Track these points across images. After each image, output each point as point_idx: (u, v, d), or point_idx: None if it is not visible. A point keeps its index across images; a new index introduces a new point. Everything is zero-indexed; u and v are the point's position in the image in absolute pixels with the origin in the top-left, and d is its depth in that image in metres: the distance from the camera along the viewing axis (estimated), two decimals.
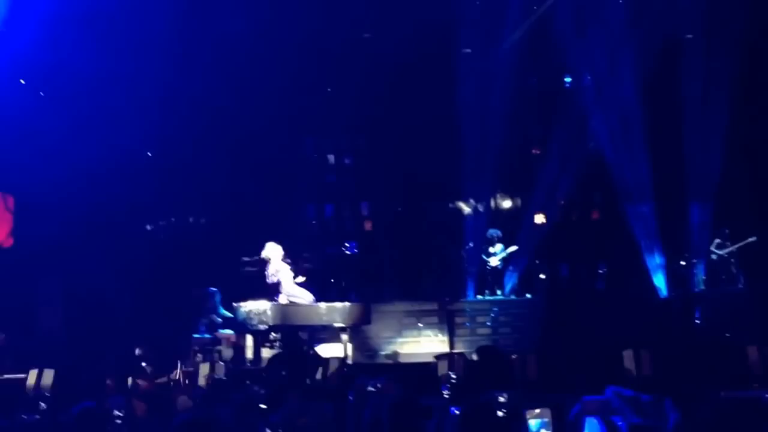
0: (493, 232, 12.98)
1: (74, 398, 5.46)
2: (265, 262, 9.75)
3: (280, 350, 9.49)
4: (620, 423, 3.13)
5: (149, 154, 13.64)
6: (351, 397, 4.88)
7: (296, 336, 9.78)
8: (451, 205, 14.58)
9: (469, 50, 13.16)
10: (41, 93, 11.72)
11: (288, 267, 9.82)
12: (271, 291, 9.75)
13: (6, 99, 10.68)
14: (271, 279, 9.72)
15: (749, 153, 12.69)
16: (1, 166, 11.37)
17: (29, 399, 6.47)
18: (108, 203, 12.19)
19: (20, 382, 7.30)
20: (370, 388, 4.76)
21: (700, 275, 12.41)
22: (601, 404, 3.35)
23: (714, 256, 12.14)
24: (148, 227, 14.12)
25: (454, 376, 6.93)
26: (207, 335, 10.38)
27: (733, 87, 12.65)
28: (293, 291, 9.87)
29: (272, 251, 9.71)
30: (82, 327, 10.08)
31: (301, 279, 9.97)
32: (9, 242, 12.34)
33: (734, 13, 11.91)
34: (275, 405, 4.09)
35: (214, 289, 10.76)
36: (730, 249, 11.93)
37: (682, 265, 12.65)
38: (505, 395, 3.58)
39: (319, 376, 7.54)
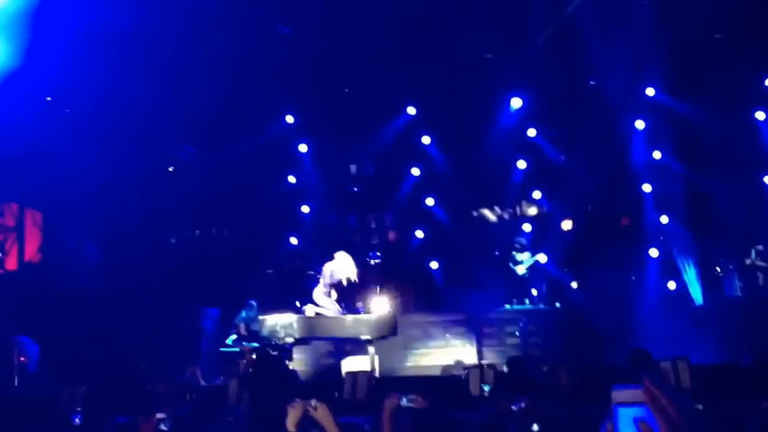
0: (520, 239, 12.80)
1: (106, 414, 5.44)
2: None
3: (249, 371, 9.40)
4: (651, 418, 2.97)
5: (171, 168, 13.75)
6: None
7: (267, 352, 9.64)
8: (475, 213, 14.41)
9: (490, 56, 13.03)
10: (66, 110, 11.87)
11: (337, 280, 9.81)
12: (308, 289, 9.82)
13: (33, 118, 10.82)
14: (323, 278, 9.77)
15: None
16: (30, 183, 11.52)
17: (62, 415, 6.46)
18: (132, 217, 12.29)
19: (53, 399, 7.30)
20: (404, 403, 4.67)
21: (736, 282, 12.09)
22: (634, 394, 3.18)
23: (747, 261, 11.82)
24: (173, 240, 14.20)
25: (486, 389, 6.79)
26: (236, 348, 10.35)
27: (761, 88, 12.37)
28: (322, 301, 9.84)
29: (344, 258, 9.88)
30: (112, 342, 10.12)
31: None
32: (38, 257, 12.49)
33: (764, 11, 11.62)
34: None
35: (252, 301, 10.85)
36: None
37: (717, 271, 12.33)
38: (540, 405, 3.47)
39: (348, 390, 7.45)
